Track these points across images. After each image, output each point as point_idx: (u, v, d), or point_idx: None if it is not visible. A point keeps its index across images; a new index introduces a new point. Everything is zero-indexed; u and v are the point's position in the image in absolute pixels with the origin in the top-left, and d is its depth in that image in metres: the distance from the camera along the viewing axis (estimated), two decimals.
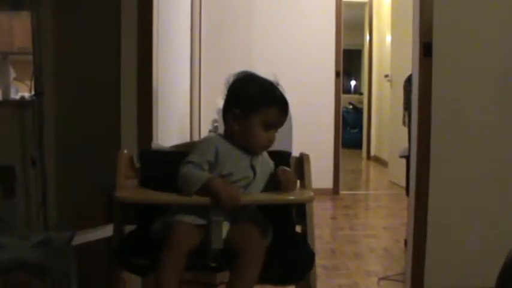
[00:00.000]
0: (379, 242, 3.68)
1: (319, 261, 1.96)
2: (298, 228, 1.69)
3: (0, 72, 3.02)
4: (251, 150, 1.54)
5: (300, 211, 1.64)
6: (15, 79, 3.19)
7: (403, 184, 3.50)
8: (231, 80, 1.58)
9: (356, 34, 8.85)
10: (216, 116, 3.70)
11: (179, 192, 1.47)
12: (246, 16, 5.22)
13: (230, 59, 4.99)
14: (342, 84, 5.66)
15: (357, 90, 12.03)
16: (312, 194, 1.58)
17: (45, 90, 2.69)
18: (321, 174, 4.81)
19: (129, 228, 1.68)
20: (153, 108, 2.49)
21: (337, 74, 5.37)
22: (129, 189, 1.64)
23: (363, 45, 8.78)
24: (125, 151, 1.69)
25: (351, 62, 10.51)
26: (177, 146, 1.86)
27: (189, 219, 1.47)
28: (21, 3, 2.78)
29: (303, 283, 1.60)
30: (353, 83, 12.58)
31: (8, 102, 2.96)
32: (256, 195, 1.54)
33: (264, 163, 1.58)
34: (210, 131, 3.91)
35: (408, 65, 2.80)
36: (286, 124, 1.59)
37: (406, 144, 3.13)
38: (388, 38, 6.79)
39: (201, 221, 1.47)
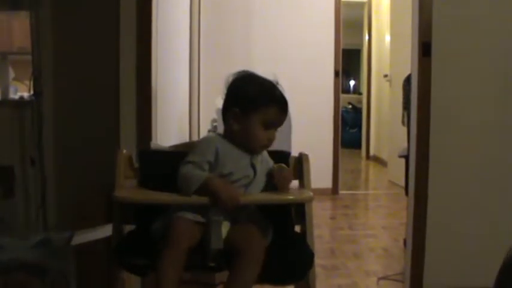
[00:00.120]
0: (378, 242, 3.68)
1: (318, 261, 1.97)
2: (297, 228, 1.69)
3: None
4: (251, 150, 1.54)
5: (299, 211, 1.64)
6: (14, 79, 3.20)
7: (403, 184, 3.50)
8: (231, 79, 1.58)
9: (355, 34, 8.85)
10: (215, 115, 3.70)
11: (178, 192, 1.47)
12: (245, 16, 5.22)
13: (229, 58, 4.99)
14: (341, 84, 5.66)
15: (356, 90, 12.02)
16: (311, 193, 1.58)
17: (44, 90, 2.69)
18: (320, 174, 4.80)
19: (128, 228, 1.68)
20: (152, 108, 2.49)
21: (336, 74, 5.37)
22: (128, 189, 1.63)
23: (362, 44, 8.77)
24: (124, 151, 1.69)
25: (350, 61, 10.52)
26: (176, 146, 1.86)
27: (190, 216, 1.47)
28: (21, 3, 2.78)
29: (302, 283, 1.60)
30: (352, 82, 12.58)
31: (7, 102, 2.97)
32: (256, 195, 1.54)
33: (264, 162, 1.58)
34: (209, 131, 3.91)
35: (407, 65, 2.81)
36: (285, 124, 1.59)
37: (406, 144, 3.13)
38: (387, 38, 6.80)
39: (201, 219, 1.47)
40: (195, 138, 4.29)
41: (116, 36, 2.42)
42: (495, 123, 2.50)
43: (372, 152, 8.29)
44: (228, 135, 1.55)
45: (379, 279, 2.82)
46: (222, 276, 1.55)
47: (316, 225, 1.75)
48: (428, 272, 2.49)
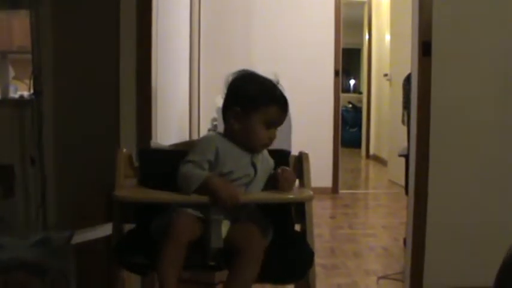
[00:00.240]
0: (378, 241, 3.68)
1: (318, 260, 1.97)
2: (297, 227, 1.69)
3: None
4: (252, 148, 1.54)
5: (299, 210, 1.64)
6: (14, 78, 3.20)
7: (403, 183, 3.50)
8: (231, 78, 1.58)
9: (355, 33, 8.85)
10: (215, 114, 3.71)
11: (178, 191, 1.47)
12: (245, 15, 5.22)
13: (229, 58, 4.99)
14: (341, 83, 5.66)
15: (356, 89, 12.03)
16: (311, 193, 1.58)
17: (44, 89, 2.69)
18: (320, 173, 4.80)
19: (128, 227, 1.68)
20: (152, 107, 2.49)
21: (336, 73, 5.37)
22: (128, 188, 1.63)
23: (362, 44, 8.78)
24: (124, 150, 1.69)
25: (350, 61, 10.52)
26: (176, 145, 1.85)
27: (190, 211, 1.47)
28: (20, 2, 2.78)
29: (302, 282, 1.60)
30: (352, 82, 12.58)
31: (7, 101, 2.97)
32: (255, 194, 1.54)
33: (265, 161, 1.58)
34: (209, 130, 3.92)
35: (407, 64, 2.80)
36: (285, 123, 1.59)
37: (406, 143, 3.13)
38: (387, 37, 6.80)
39: (201, 215, 1.47)
40: (195, 137, 4.29)
41: (116, 35, 2.42)
42: (495, 123, 2.50)
43: (372, 151, 8.30)
44: (228, 134, 1.56)
45: (379, 278, 2.82)
46: (221, 275, 1.55)
47: (316, 225, 1.75)
48: (428, 272, 2.49)
